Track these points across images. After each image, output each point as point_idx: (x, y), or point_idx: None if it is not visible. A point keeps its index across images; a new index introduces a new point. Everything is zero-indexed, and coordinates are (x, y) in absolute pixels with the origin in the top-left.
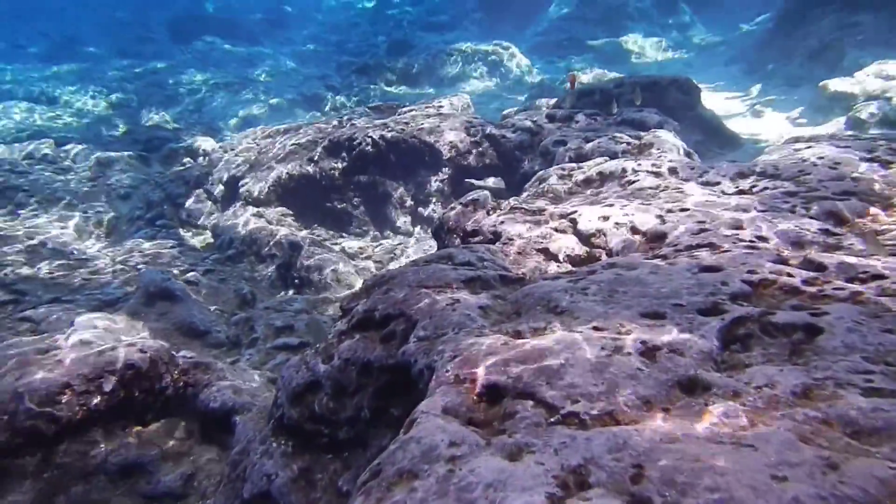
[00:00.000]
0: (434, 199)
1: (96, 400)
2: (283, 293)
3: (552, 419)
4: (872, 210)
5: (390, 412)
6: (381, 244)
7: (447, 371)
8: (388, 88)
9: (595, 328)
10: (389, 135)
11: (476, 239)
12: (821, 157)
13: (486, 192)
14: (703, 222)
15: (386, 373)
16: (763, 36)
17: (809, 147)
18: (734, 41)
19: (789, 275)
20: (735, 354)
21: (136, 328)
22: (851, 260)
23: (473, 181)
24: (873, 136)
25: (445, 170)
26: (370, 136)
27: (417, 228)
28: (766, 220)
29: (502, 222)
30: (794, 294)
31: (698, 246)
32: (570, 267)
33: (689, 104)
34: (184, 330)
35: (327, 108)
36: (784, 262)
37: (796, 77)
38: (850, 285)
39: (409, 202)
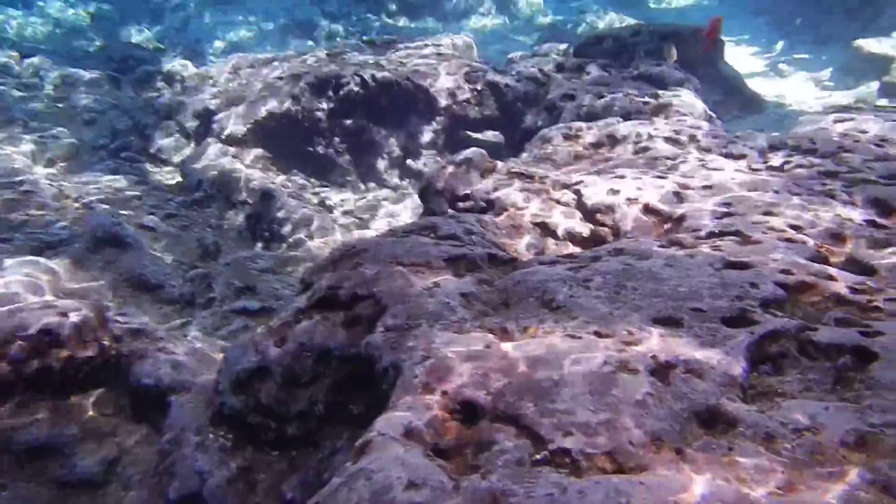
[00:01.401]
0: (426, 152)
1: (3, 369)
2: (251, 246)
3: (538, 455)
4: None
5: (349, 408)
6: (364, 198)
7: (416, 377)
8: (389, 20)
9: (597, 333)
10: (381, 75)
11: (467, 204)
12: (864, 133)
13: (481, 152)
14: (728, 204)
15: (347, 363)
16: None
17: (851, 120)
18: None
19: (832, 278)
20: (765, 378)
21: (76, 278)
22: None
23: (470, 134)
24: None
25: (440, 119)
26: (359, 76)
27: (406, 182)
28: (801, 205)
29: (497, 189)
30: (839, 304)
31: (722, 234)
32: (570, 247)
33: (711, 59)
34: (133, 282)
35: (322, 38)
36: (824, 260)
37: (826, 34)
38: None
39: (397, 153)
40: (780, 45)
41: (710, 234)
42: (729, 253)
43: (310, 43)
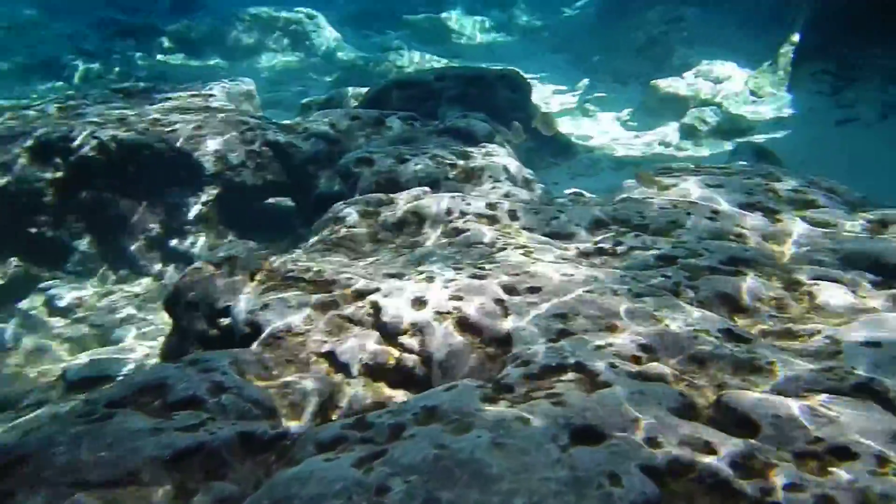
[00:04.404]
0: (194, 229)
1: None
2: None
3: None
4: (774, 289)
5: None
6: (111, 293)
7: None
8: (163, 57)
9: None
10: (126, 136)
11: (226, 322)
12: (693, 202)
13: (250, 247)
14: (563, 316)
15: None
16: (586, 23)
17: (676, 185)
18: (558, 26)
19: (710, 449)
20: None
21: None
22: (789, 409)
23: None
24: (745, 171)
25: (210, 189)
26: (97, 137)
27: (171, 268)
28: (645, 311)
29: (268, 305)
30: (726, 500)
31: (560, 369)
32: (368, 387)
33: (520, 103)
34: None
35: (76, 80)
36: (692, 408)
37: (624, 72)
38: (806, 477)
39: (157, 231)
40: (582, 83)
41: (546, 370)
42: (573, 408)
43: (65, 87)
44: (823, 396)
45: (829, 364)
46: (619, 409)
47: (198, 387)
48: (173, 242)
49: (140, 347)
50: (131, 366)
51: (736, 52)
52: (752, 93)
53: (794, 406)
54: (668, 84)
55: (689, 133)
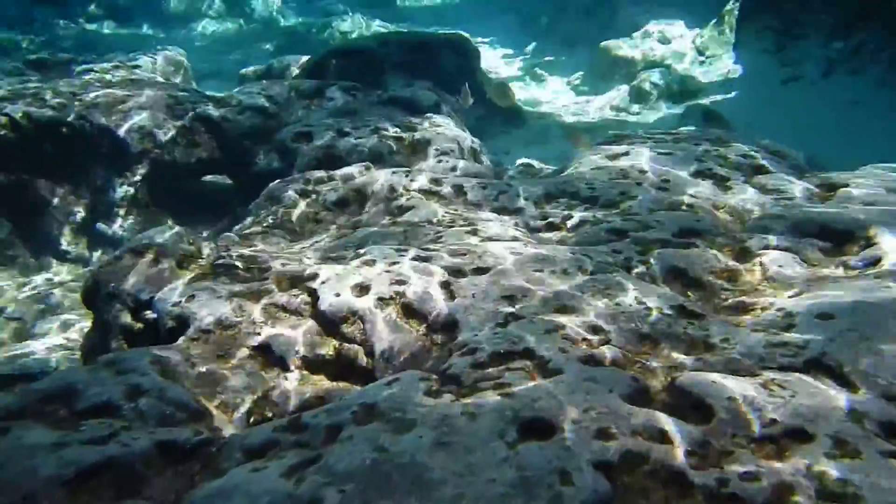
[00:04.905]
0: (122, 211)
1: None
2: None
3: None
4: (726, 261)
5: None
6: (31, 282)
7: None
8: (90, 26)
9: None
10: (41, 112)
11: (150, 316)
12: (643, 172)
13: (178, 233)
14: (511, 298)
15: None
16: None
17: (626, 154)
18: None
19: (665, 437)
20: None
21: None
22: (743, 390)
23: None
24: (695, 137)
25: (137, 167)
26: (7, 114)
27: (98, 253)
28: (596, 289)
29: (195, 295)
30: (682, 492)
31: (509, 355)
32: (307, 380)
33: (468, 70)
34: None
35: None
36: (646, 393)
37: (572, 35)
38: (762, 463)
39: (81, 215)
40: (530, 46)
41: (494, 358)
42: (522, 399)
43: None
44: (778, 374)
45: (782, 339)
46: (569, 398)
47: (112, 391)
48: (100, 226)
49: (65, 341)
50: (54, 362)
51: (683, 10)
52: (700, 52)
53: (748, 387)
54: (616, 46)
55: (639, 97)
